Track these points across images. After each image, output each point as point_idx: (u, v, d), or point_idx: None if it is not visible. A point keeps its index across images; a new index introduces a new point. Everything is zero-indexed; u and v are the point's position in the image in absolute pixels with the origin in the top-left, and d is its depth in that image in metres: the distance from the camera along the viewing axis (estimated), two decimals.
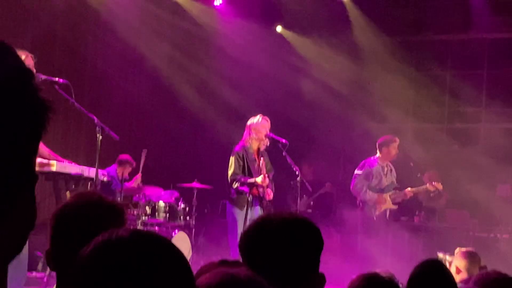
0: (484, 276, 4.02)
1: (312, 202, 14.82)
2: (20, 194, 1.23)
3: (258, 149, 10.22)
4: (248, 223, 9.54)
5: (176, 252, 1.52)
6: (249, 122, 10.21)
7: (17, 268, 7.64)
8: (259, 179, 9.91)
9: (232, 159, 10.10)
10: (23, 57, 7.74)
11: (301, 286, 2.65)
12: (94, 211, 2.67)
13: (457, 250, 7.29)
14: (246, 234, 2.72)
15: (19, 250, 1.26)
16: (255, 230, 2.70)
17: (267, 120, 10.17)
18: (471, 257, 7.04)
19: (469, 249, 7.34)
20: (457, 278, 5.84)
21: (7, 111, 1.21)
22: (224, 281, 1.88)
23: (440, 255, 7.61)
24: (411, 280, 3.80)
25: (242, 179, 9.93)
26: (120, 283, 1.43)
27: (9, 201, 1.23)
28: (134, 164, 12.02)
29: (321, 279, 2.71)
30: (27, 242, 6.82)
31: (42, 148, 8.24)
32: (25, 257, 7.71)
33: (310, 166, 15.05)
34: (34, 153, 1.28)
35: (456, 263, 6.99)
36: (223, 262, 2.45)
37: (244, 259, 2.70)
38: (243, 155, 10.09)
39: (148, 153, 12.01)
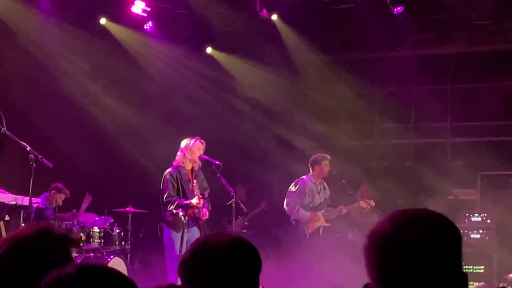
0: None
1: (246, 223, 14.87)
2: None
3: (192, 169, 10.24)
4: (185, 245, 9.57)
5: (126, 282, 1.54)
6: (183, 144, 10.23)
7: None
8: (194, 201, 9.91)
9: (165, 181, 10.08)
10: None
11: None
12: (40, 242, 2.65)
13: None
14: (184, 261, 2.75)
15: None
16: (193, 257, 2.73)
17: (202, 143, 10.21)
18: None
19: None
20: None
21: None
22: None
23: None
24: None
25: (177, 201, 9.93)
26: None
27: None
28: (68, 193, 11.91)
29: None
30: None
31: None
32: None
33: (244, 186, 15.11)
34: None
35: None
36: (171, 286, 2.48)
37: (183, 283, 2.73)
38: (176, 176, 10.09)
39: (81, 180, 11.91)
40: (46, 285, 1.49)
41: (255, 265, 2.76)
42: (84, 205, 11.78)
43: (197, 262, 2.69)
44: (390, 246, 2.26)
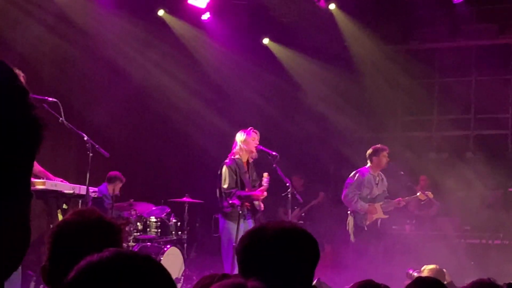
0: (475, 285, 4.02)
1: (303, 214, 14.82)
2: (16, 212, 1.24)
3: (248, 161, 10.23)
4: (240, 236, 9.54)
5: (160, 269, 1.51)
6: (238, 136, 10.21)
7: (10, 286, 7.63)
8: (257, 193, 9.95)
9: (225, 173, 10.05)
10: None
11: None
12: (93, 229, 2.68)
13: (424, 267, 7.45)
14: (242, 243, 2.71)
15: (16, 267, 1.26)
16: (251, 239, 2.69)
17: (256, 133, 10.17)
18: (437, 273, 7.19)
19: (435, 266, 7.50)
20: None
21: (1, 129, 1.21)
22: None
23: (410, 272, 7.73)
24: None
25: (238, 193, 9.92)
26: None
27: (5, 219, 1.24)
28: (124, 179, 12.01)
29: None
30: None
31: (34, 165, 8.22)
32: (18, 275, 7.71)
33: (301, 178, 15.06)
34: (29, 171, 1.29)
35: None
36: (225, 276, 2.46)
37: (240, 268, 2.70)
38: (235, 168, 10.07)
39: (137, 169, 11.98)
40: (79, 269, 1.47)
41: (313, 255, 2.71)
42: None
43: (254, 245, 2.66)
44: None
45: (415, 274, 7.58)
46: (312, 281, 2.69)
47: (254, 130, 10.19)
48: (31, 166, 1.28)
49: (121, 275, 1.45)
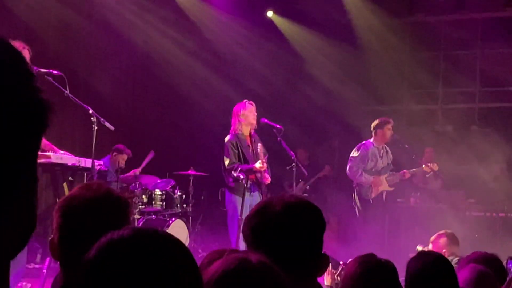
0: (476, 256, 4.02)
1: (308, 187, 14.84)
2: (23, 197, 1.24)
3: (250, 134, 10.21)
4: (246, 209, 9.58)
5: (181, 248, 1.52)
6: (235, 109, 10.20)
7: (15, 262, 7.68)
8: (257, 165, 9.89)
9: (226, 149, 10.06)
10: (20, 50, 7.75)
11: (306, 267, 2.66)
12: (102, 203, 2.69)
13: (432, 238, 7.48)
14: (249, 218, 2.73)
15: (20, 249, 1.27)
16: (258, 214, 2.70)
17: (252, 104, 10.15)
18: (448, 238, 7.24)
19: (442, 233, 7.53)
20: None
21: (7, 112, 1.21)
22: (239, 266, 1.91)
23: (419, 248, 7.76)
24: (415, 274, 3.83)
25: (240, 167, 9.91)
26: (126, 284, 1.43)
27: (12, 201, 1.24)
28: (130, 153, 12.03)
29: (325, 259, 2.73)
30: None
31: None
32: (24, 251, 7.75)
33: (306, 150, 15.06)
34: (35, 155, 1.28)
35: (434, 248, 7.20)
36: (233, 251, 2.47)
37: (248, 243, 2.71)
38: (236, 143, 10.06)
39: (142, 142, 11.98)
40: (100, 247, 1.47)
41: (320, 225, 2.73)
42: (145, 162, 11.89)
43: (261, 219, 2.67)
44: None
45: (425, 249, 7.60)
46: (321, 249, 2.71)
47: (250, 102, 10.17)
48: (37, 150, 1.28)
49: (143, 253, 1.46)
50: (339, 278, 5.81)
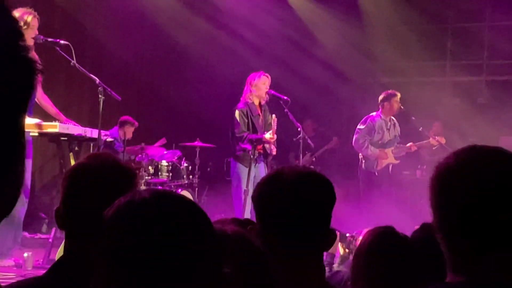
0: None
1: (314, 159, 14.82)
2: (8, 159, 1.22)
3: (260, 104, 10.20)
4: (252, 180, 9.59)
5: (199, 210, 1.54)
6: (249, 78, 10.17)
7: (8, 227, 7.71)
8: (267, 136, 9.88)
9: (236, 116, 10.04)
10: (29, 17, 7.74)
11: (313, 240, 2.65)
12: (109, 173, 2.68)
13: None
14: (259, 187, 2.72)
15: (6, 213, 1.25)
16: (268, 183, 2.69)
17: (267, 77, 10.13)
18: None
19: None
20: None
21: None
22: None
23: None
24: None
25: (249, 136, 9.90)
26: (146, 242, 1.46)
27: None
28: (136, 124, 12.03)
29: (333, 234, 2.72)
30: (31, 204, 6.83)
31: (50, 105, 8.27)
32: (18, 218, 7.79)
33: (312, 122, 15.02)
34: (21, 117, 1.26)
35: None
36: (235, 220, 2.47)
37: (256, 209, 2.71)
38: (247, 111, 10.05)
39: (149, 113, 11.98)
40: (120, 206, 1.48)
41: (330, 200, 2.72)
42: (157, 144, 11.93)
43: (272, 188, 2.66)
44: (450, 180, 2.02)
45: None
46: (329, 224, 2.71)
47: (265, 74, 10.14)
48: (23, 113, 1.25)
49: (165, 216, 1.48)
50: (347, 250, 5.82)
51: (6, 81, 1.18)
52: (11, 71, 1.19)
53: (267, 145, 9.99)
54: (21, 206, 7.78)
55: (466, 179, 1.99)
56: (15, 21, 1.22)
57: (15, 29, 1.22)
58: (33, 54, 1.29)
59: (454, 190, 2.01)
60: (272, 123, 9.95)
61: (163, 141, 12.07)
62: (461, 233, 2.00)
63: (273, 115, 10.02)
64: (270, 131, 9.88)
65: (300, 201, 2.61)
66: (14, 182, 1.24)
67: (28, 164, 7.45)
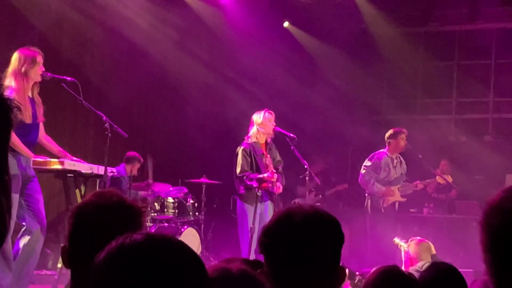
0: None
1: (320, 196, 14.78)
2: None
3: (266, 142, 10.20)
4: (258, 218, 9.57)
5: (191, 255, 1.51)
6: (254, 117, 10.18)
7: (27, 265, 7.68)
8: (266, 175, 9.88)
9: (239, 156, 10.05)
10: (35, 54, 7.78)
11: (324, 279, 2.65)
12: (115, 212, 2.67)
13: (411, 238, 7.57)
14: (268, 229, 2.70)
15: None
16: (277, 225, 2.68)
17: (271, 114, 10.14)
18: (424, 247, 7.30)
19: (423, 239, 7.62)
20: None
21: None
22: (220, 275, 1.91)
23: (397, 239, 7.84)
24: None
25: (251, 176, 9.90)
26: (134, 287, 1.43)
27: None
28: (142, 160, 12.03)
29: (343, 272, 2.71)
30: (41, 241, 6.79)
31: (53, 145, 8.27)
32: (34, 254, 7.74)
33: (321, 159, 14.98)
34: (4, 156, 1.25)
35: (410, 250, 7.30)
36: (244, 261, 2.46)
37: (265, 253, 2.69)
38: (250, 151, 10.05)
39: (155, 150, 11.99)
40: (111, 251, 1.46)
41: (338, 238, 2.71)
42: (151, 169, 11.88)
43: (281, 230, 2.64)
44: (497, 218, 1.93)
45: (402, 244, 7.69)
46: (339, 262, 2.70)
47: (269, 111, 10.16)
48: (4, 150, 1.25)
49: (154, 259, 1.45)
50: None
51: None
52: None
53: (270, 184, 9.96)
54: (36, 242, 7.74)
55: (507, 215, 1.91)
56: None
57: None
58: (10, 93, 1.28)
59: (496, 226, 1.92)
60: (267, 163, 9.96)
61: (150, 161, 11.97)
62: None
63: (268, 156, 10.04)
64: (269, 171, 9.89)
65: (309, 241, 2.60)
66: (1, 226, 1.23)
67: (15, 199, 7.42)
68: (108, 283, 1.45)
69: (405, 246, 7.55)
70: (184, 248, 1.50)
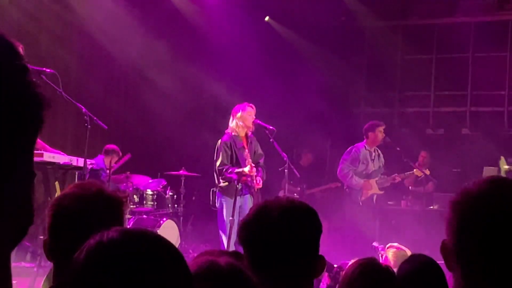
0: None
1: (299, 188, 14.78)
2: (19, 192, 1.24)
3: (246, 135, 10.19)
4: (237, 211, 9.59)
5: (170, 249, 1.51)
6: (234, 110, 10.17)
7: None
8: (246, 169, 9.87)
9: (219, 149, 10.04)
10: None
11: (303, 269, 2.69)
12: (95, 202, 2.67)
13: (388, 247, 7.56)
14: (246, 223, 2.74)
15: (18, 241, 1.27)
16: (254, 219, 2.72)
17: (252, 107, 10.12)
18: (400, 256, 7.31)
19: (400, 247, 7.61)
20: None
21: (2, 106, 1.21)
22: (208, 269, 1.92)
23: (375, 244, 7.84)
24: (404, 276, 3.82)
25: (230, 169, 9.89)
26: (116, 286, 1.43)
27: (8, 195, 1.24)
28: (121, 154, 12.01)
29: (322, 261, 2.75)
30: None
31: None
32: None
33: (312, 154, 14.97)
34: (31, 149, 1.28)
35: (388, 257, 7.30)
36: (222, 252, 2.48)
37: (244, 246, 2.72)
38: (230, 144, 10.03)
39: (134, 142, 11.96)
40: (89, 249, 1.47)
41: (316, 228, 2.75)
42: (121, 163, 11.84)
43: (259, 224, 2.68)
44: (476, 203, 2.05)
45: (380, 249, 7.72)
46: (318, 252, 2.73)
47: (250, 105, 10.14)
48: (33, 145, 1.28)
49: (133, 256, 1.45)
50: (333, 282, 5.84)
51: (18, 116, 1.21)
52: (22, 106, 1.22)
53: (248, 178, 9.95)
54: None
55: (488, 206, 2.02)
56: (21, 58, 1.24)
57: (22, 66, 1.24)
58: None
59: (479, 218, 2.02)
60: (246, 158, 9.96)
61: (127, 156, 11.96)
62: (481, 262, 1.99)
63: (246, 149, 10.03)
64: (248, 166, 9.88)
65: (287, 233, 2.64)
66: (27, 208, 1.26)
67: None
68: (89, 283, 1.45)
69: (382, 252, 7.58)
70: (162, 242, 1.50)
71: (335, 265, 6.02)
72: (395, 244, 7.71)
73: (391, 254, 7.46)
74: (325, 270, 5.52)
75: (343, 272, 3.64)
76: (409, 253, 7.50)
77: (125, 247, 1.47)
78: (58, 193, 8.58)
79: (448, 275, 4.21)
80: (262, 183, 10.14)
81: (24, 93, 1.25)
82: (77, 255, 1.49)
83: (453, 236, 2.05)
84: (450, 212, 2.05)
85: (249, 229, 2.70)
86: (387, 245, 7.70)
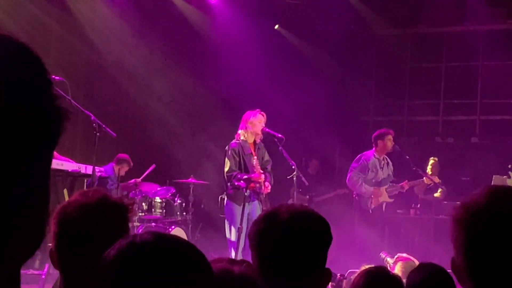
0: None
1: (308, 197, 14.75)
2: (34, 202, 1.25)
3: (254, 142, 10.18)
4: (245, 218, 9.57)
5: (200, 256, 1.53)
6: (245, 116, 10.16)
7: None
8: (254, 176, 9.87)
9: (227, 155, 10.03)
10: None
11: (308, 280, 2.66)
12: (98, 210, 2.67)
13: (397, 255, 7.52)
14: (255, 226, 2.72)
15: (31, 254, 1.28)
16: (264, 222, 2.70)
17: (263, 115, 10.10)
18: (408, 266, 7.27)
19: (408, 257, 7.57)
20: None
21: (23, 119, 1.22)
22: (221, 277, 1.92)
23: (382, 255, 7.79)
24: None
25: (239, 175, 9.88)
26: (147, 285, 1.45)
27: (23, 209, 1.24)
28: (132, 164, 12.01)
29: (328, 274, 2.72)
30: None
31: None
32: None
33: (318, 161, 14.96)
34: (50, 160, 1.29)
35: (396, 268, 7.25)
36: (232, 261, 2.47)
37: (252, 247, 2.71)
38: (238, 150, 10.02)
39: (144, 150, 11.96)
40: (121, 248, 1.48)
41: (325, 239, 2.72)
42: (146, 173, 11.88)
43: (268, 227, 2.66)
44: (483, 219, 1.99)
45: (388, 259, 7.67)
46: (325, 264, 2.71)
47: (261, 112, 10.12)
48: (50, 158, 1.29)
49: (166, 258, 1.48)
50: None
51: (39, 128, 1.22)
52: (44, 118, 1.23)
53: (257, 184, 9.93)
54: None
55: (497, 218, 1.98)
56: (45, 70, 1.25)
57: (45, 79, 1.25)
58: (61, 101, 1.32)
59: (484, 226, 1.98)
60: (254, 164, 9.94)
61: (152, 167, 11.98)
62: (495, 278, 1.96)
63: (255, 157, 10.02)
64: (257, 172, 9.87)
65: (295, 240, 2.62)
66: (42, 223, 1.26)
67: None
68: (119, 280, 1.47)
69: (390, 262, 7.54)
70: (193, 249, 1.53)
71: (338, 274, 5.99)
72: (404, 254, 7.67)
73: (399, 265, 7.43)
74: None
75: (351, 280, 3.62)
76: (417, 263, 7.47)
77: (158, 249, 1.49)
78: (66, 199, 8.60)
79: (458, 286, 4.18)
80: (270, 188, 10.12)
81: (48, 107, 1.26)
82: (106, 253, 1.51)
83: (462, 254, 2.01)
84: (454, 230, 2.03)
85: (258, 228, 2.68)
86: (396, 256, 7.66)
